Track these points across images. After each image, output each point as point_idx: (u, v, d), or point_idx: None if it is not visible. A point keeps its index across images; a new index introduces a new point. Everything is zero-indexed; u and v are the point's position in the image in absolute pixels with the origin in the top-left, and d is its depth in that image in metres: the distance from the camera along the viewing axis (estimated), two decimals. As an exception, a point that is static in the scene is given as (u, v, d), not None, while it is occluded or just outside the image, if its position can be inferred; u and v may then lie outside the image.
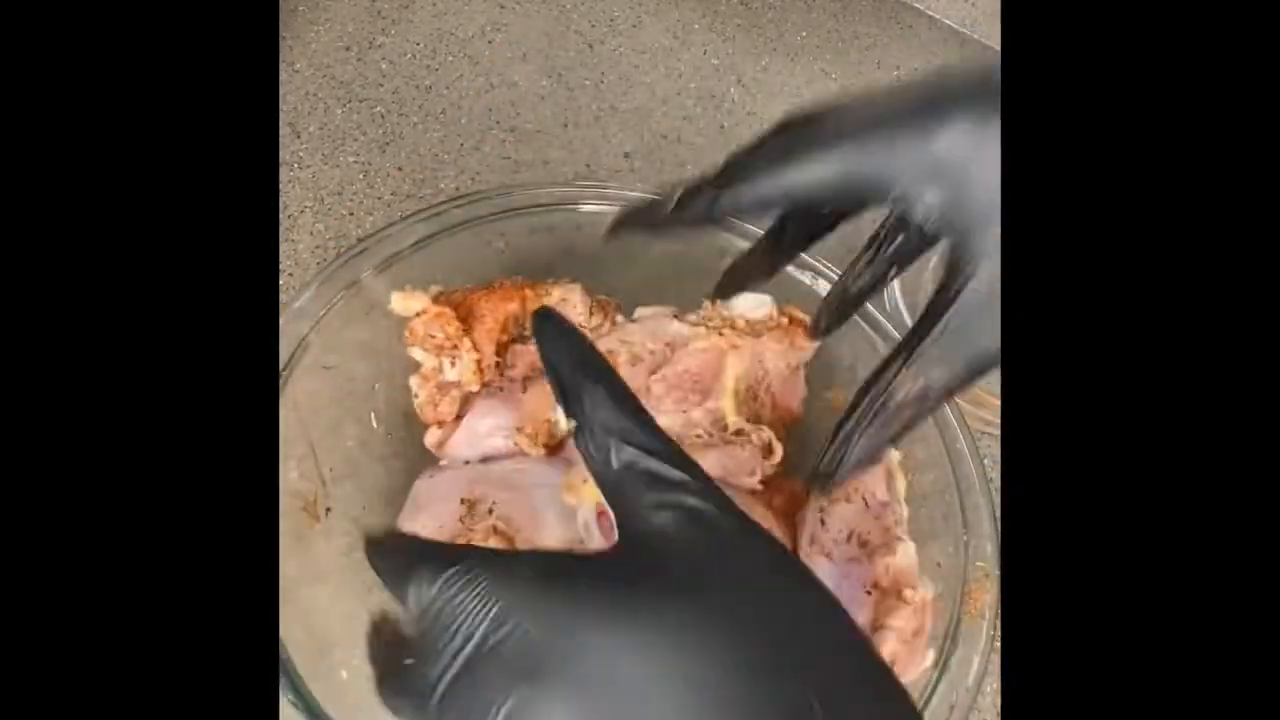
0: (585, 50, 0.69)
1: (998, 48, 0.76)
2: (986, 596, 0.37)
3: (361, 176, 0.59)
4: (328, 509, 0.39)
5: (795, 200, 0.27)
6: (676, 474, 0.22)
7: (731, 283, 0.37)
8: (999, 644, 0.44)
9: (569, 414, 0.24)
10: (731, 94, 0.69)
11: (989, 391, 0.53)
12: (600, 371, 0.24)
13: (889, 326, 0.43)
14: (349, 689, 0.32)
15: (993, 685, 0.47)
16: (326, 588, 0.37)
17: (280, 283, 0.53)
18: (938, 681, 0.35)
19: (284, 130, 0.60)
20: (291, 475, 0.38)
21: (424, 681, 0.20)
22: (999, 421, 0.54)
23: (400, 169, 0.60)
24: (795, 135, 0.27)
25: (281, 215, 0.56)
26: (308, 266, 0.54)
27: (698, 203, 0.28)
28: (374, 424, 0.43)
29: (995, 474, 0.54)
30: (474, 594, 0.20)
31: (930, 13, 0.79)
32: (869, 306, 0.41)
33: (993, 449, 0.55)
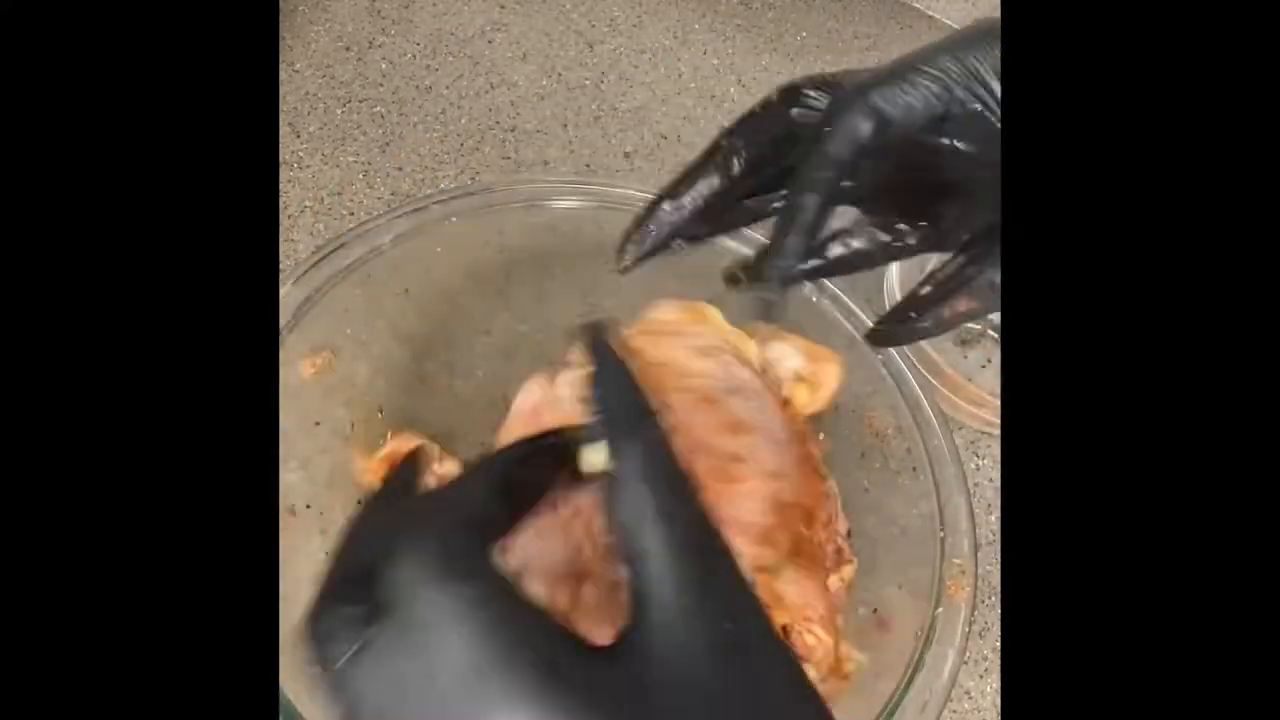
0: (585, 50, 0.69)
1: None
2: (963, 593, 0.37)
3: (361, 176, 0.59)
4: (307, 505, 0.39)
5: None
6: (715, 583, 0.20)
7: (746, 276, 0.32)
8: (991, 640, 0.44)
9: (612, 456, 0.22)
10: (731, 94, 0.69)
11: (989, 391, 0.53)
12: (645, 427, 0.22)
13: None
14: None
15: (993, 685, 0.47)
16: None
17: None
18: (912, 676, 0.35)
19: (284, 130, 0.60)
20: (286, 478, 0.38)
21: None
22: (999, 421, 0.54)
23: (400, 169, 0.60)
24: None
25: (281, 215, 0.56)
26: (307, 266, 0.54)
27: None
28: (378, 415, 0.43)
29: (995, 474, 0.54)
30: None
31: (930, 13, 0.78)
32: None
33: (993, 449, 0.55)
